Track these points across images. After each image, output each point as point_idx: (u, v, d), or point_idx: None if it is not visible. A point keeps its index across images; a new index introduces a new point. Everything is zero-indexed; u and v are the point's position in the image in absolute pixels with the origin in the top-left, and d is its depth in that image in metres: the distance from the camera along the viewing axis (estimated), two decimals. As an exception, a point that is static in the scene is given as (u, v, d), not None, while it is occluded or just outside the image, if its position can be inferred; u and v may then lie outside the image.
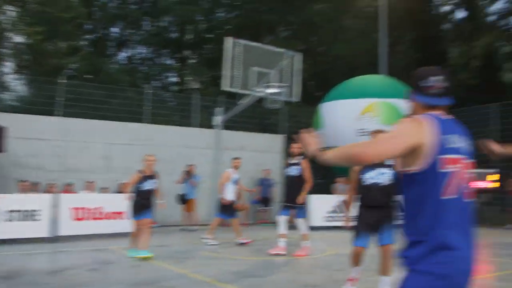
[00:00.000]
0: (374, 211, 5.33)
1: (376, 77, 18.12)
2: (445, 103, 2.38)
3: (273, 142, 16.77)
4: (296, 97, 11.68)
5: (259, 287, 6.14)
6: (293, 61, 11.78)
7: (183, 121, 16.90)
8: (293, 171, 8.85)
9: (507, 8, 26.57)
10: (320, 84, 27.40)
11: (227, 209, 10.34)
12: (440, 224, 2.24)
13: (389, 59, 27.54)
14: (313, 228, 13.49)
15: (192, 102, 17.02)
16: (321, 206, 13.60)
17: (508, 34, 24.85)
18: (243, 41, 11.18)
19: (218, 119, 11.65)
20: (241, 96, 11.22)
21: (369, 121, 14.62)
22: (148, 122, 15.31)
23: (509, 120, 17.38)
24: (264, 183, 15.89)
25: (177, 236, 11.83)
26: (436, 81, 2.36)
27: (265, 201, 15.84)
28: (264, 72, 11.22)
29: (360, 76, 17.57)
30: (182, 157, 14.38)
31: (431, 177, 2.25)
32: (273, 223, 15.77)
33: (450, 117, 2.39)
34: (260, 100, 11.57)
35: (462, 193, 2.28)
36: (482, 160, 16.94)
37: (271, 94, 11.16)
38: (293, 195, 8.77)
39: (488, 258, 9.38)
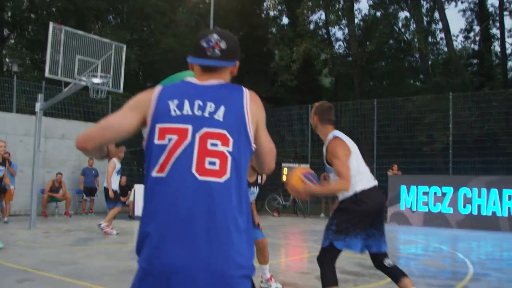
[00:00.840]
0: None
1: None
2: (209, 63, 1.98)
3: (99, 131, 16.47)
4: (120, 87, 11.74)
5: (76, 274, 6.20)
6: (119, 51, 11.79)
7: (0, 105, 15.82)
8: None
9: (324, 19, 29.28)
10: (149, 74, 27.41)
11: (111, 198, 10.49)
12: (149, 208, 1.79)
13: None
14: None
15: (11, 86, 16.00)
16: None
17: (324, 43, 27.35)
18: (66, 28, 10.89)
19: (39, 105, 11.16)
20: (67, 82, 10.93)
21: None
22: (-43, 105, 14.09)
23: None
24: (88, 173, 15.61)
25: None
26: (209, 40, 1.98)
27: (88, 191, 15.57)
28: (89, 61, 11.09)
29: (187, 71, 18.02)
30: (-3, 144, 13.47)
31: (148, 150, 1.87)
32: (97, 213, 15.60)
33: (213, 83, 1.97)
34: (86, 88, 11.38)
35: (192, 169, 1.77)
36: (298, 156, 18.61)
37: (95, 83, 11.06)
38: None
39: (298, 243, 10.48)
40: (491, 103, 18.28)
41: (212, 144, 1.81)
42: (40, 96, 11.42)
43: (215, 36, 1.98)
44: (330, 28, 29.97)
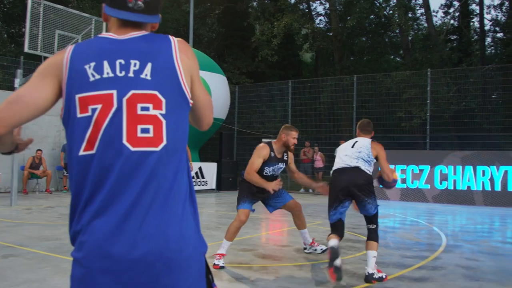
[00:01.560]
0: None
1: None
2: (131, 18, 1.65)
3: (79, 107, 16.37)
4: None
5: (60, 248, 6.29)
6: (99, 26, 11.69)
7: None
8: None
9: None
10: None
11: None
12: (80, 195, 1.54)
13: (198, 31, 28.35)
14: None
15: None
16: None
17: (305, 18, 27.27)
18: (45, 2, 10.76)
19: (18, 81, 11.06)
20: (46, 58, 10.83)
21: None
22: None
23: (300, 96, 19.44)
24: (69, 149, 15.56)
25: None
26: None
27: (69, 167, 15.55)
28: (68, 35, 11.00)
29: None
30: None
31: (70, 126, 1.59)
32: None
33: (134, 35, 1.67)
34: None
35: (123, 140, 1.53)
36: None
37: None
38: None
39: (278, 217, 10.67)
40: (469, 79, 18.57)
41: (143, 108, 1.56)
42: (19, 72, 11.31)
43: None
44: (311, 2, 29.87)
